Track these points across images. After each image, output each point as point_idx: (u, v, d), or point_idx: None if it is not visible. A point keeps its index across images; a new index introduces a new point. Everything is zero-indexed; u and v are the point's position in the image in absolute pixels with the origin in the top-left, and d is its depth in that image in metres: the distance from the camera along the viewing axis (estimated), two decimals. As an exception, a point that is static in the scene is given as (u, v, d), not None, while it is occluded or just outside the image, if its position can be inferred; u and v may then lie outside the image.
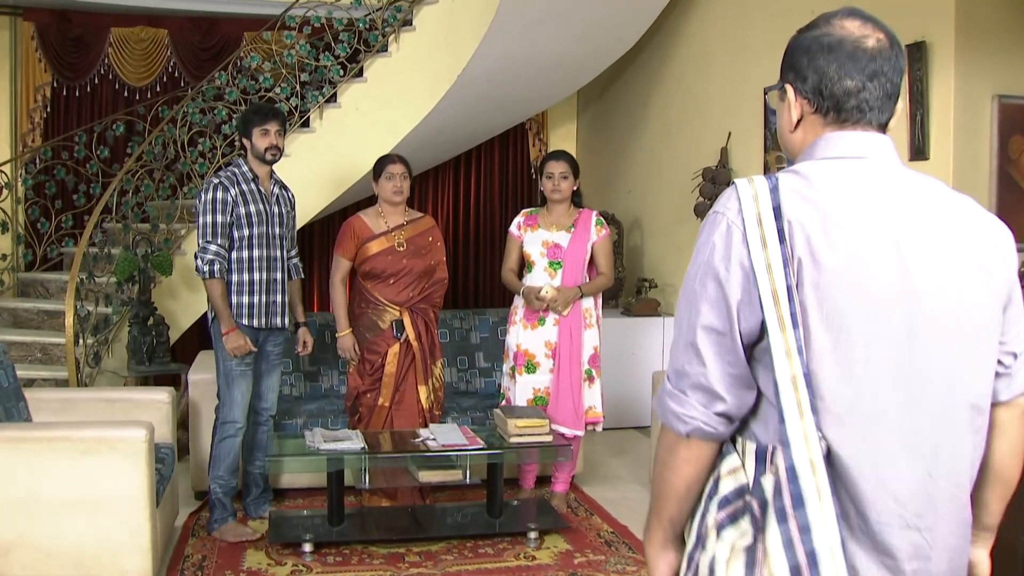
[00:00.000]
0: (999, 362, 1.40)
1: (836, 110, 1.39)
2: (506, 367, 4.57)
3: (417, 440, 3.89)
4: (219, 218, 3.79)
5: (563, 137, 8.37)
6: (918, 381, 1.30)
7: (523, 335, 4.42)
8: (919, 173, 1.40)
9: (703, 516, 1.38)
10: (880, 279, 1.28)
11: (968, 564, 1.42)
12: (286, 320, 4.05)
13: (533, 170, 8.30)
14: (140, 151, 5.54)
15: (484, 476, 4.00)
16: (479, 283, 8.05)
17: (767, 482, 1.29)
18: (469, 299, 7.96)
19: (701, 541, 1.37)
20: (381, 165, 4.25)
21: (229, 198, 3.81)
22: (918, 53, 3.84)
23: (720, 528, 1.34)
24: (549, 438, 3.91)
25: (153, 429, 3.30)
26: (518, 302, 4.50)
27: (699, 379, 1.33)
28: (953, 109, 3.73)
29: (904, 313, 1.29)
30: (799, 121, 1.43)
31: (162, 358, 5.16)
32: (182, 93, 6.67)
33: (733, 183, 1.37)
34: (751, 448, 1.34)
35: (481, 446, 3.82)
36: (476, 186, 8.10)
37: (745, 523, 1.31)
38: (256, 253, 3.89)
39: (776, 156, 4.95)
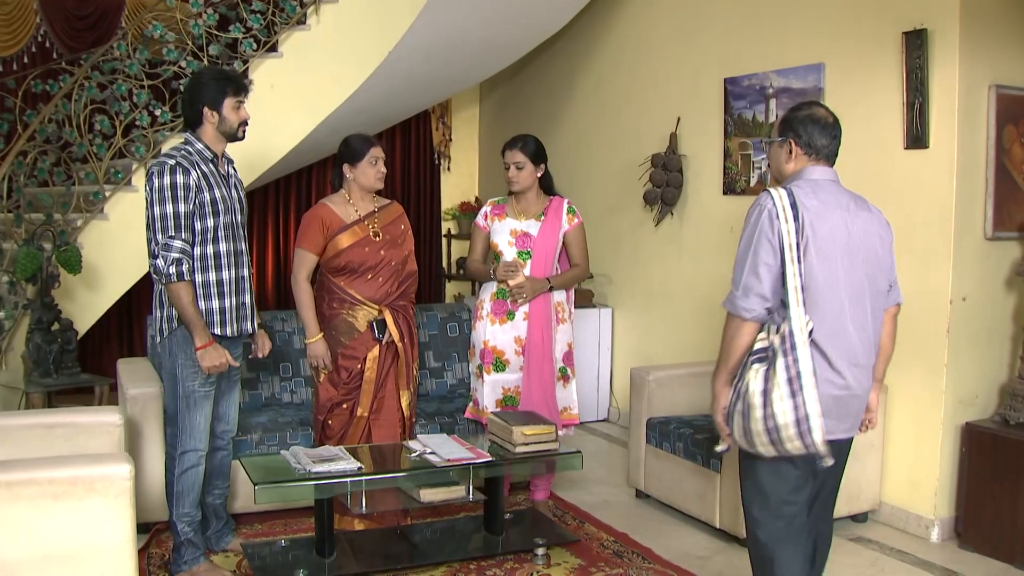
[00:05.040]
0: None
1: (816, 154, 2.64)
2: (472, 366, 4.25)
3: (414, 455, 3.50)
4: (181, 207, 3.19)
5: (466, 121, 8.05)
6: (855, 288, 2.54)
7: (491, 331, 4.11)
8: (849, 190, 2.66)
9: (744, 364, 2.52)
10: (839, 239, 2.52)
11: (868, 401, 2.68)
12: (254, 324, 3.54)
13: (436, 155, 7.92)
14: (31, 130, 4.75)
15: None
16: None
17: (776, 339, 2.45)
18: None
19: (741, 375, 2.52)
20: (363, 147, 3.78)
21: (191, 182, 3.22)
22: (918, 41, 3.79)
23: (751, 365, 2.49)
24: (556, 445, 3.62)
25: (132, 461, 2.76)
26: (484, 295, 4.18)
27: (758, 289, 2.48)
28: (958, 98, 3.71)
29: (849, 256, 2.53)
30: (793, 159, 2.65)
31: (71, 369, 4.47)
32: (56, 65, 5.85)
33: (766, 190, 2.53)
34: (769, 329, 2.50)
35: (489, 459, 3.47)
36: (377, 171, 7.61)
37: (765, 362, 2.46)
38: (224, 247, 3.34)
39: (739, 143, 4.84)
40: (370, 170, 3.76)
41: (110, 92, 5.12)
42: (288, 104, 5.53)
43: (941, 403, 3.81)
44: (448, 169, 7.98)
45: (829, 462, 2.45)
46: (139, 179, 5.31)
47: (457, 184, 8.06)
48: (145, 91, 5.24)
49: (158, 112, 5.29)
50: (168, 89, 5.41)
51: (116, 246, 5.18)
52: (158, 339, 3.38)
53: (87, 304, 5.09)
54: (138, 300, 6.44)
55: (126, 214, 5.24)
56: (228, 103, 3.31)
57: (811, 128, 2.61)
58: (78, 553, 2.63)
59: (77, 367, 4.53)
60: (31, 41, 6.17)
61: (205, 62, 5.37)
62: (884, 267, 2.62)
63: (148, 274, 5.39)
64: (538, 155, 4.12)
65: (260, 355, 3.70)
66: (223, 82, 3.32)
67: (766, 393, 2.42)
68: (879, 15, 4.00)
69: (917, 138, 3.84)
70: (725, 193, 4.97)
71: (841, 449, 2.61)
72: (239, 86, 3.35)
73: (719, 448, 2.68)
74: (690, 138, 5.26)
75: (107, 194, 5.19)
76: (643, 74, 5.69)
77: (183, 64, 5.32)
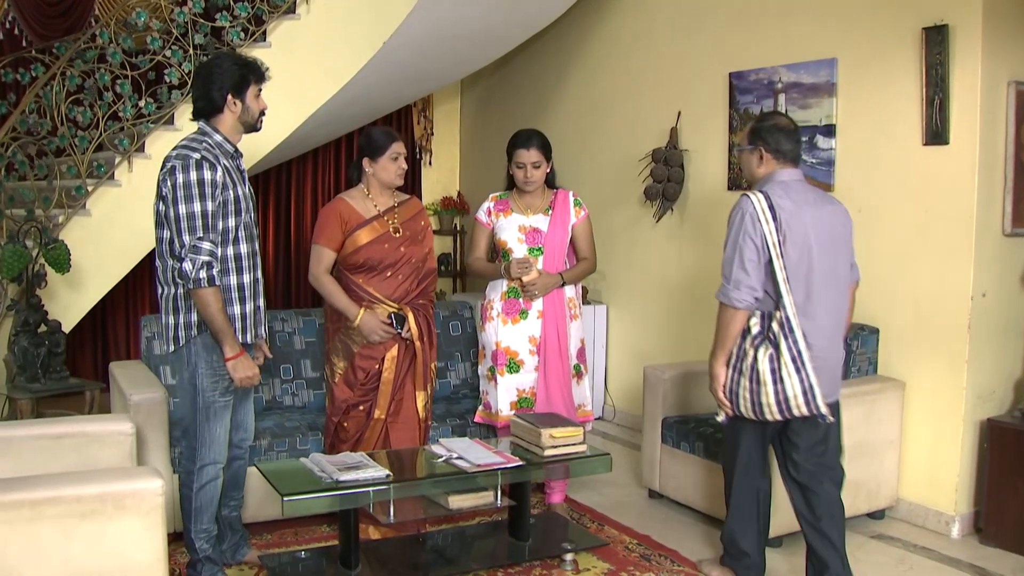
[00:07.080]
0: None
1: (784, 158, 3.07)
2: (483, 369, 4.13)
3: (440, 460, 3.38)
4: (208, 205, 2.97)
5: (447, 115, 7.90)
6: (824, 273, 3.00)
7: (503, 331, 3.99)
8: (813, 187, 3.15)
9: (741, 345, 3.02)
10: (810, 232, 2.97)
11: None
12: (265, 328, 3.37)
13: (418, 150, 7.76)
14: (12, 122, 4.50)
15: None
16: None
17: (775, 324, 2.94)
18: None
19: (741, 356, 3.02)
20: (385, 142, 3.63)
21: (218, 179, 3.01)
22: (938, 36, 3.76)
23: (756, 347, 2.97)
24: (584, 447, 3.53)
25: (163, 476, 2.60)
26: (493, 295, 4.06)
27: (748, 282, 2.94)
28: (980, 94, 3.69)
29: (818, 246, 2.98)
30: (764, 163, 3.09)
31: (59, 373, 4.25)
32: (27, 54, 5.58)
33: (745, 195, 2.97)
34: (759, 315, 2.99)
35: (521, 463, 3.36)
36: (358, 166, 7.44)
37: (768, 344, 2.95)
38: (244, 248, 3.15)
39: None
40: (391, 165, 3.62)
41: (92, 82, 4.87)
42: (277, 96, 5.25)
43: (962, 399, 3.81)
44: (429, 164, 7.83)
45: (830, 419, 3.02)
46: (122, 173, 5.09)
47: (438, 179, 7.91)
48: (128, 81, 5.01)
49: (142, 103, 5.07)
50: (144, 80, 5.19)
51: (99, 243, 4.96)
52: (170, 348, 3.16)
53: (69, 304, 4.86)
54: (115, 300, 6.20)
55: (109, 210, 5.02)
56: (251, 92, 3.15)
57: (777, 135, 3.06)
58: (108, 574, 2.46)
59: (66, 371, 4.31)
60: (-3, 29, 5.89)
61: (191, 52, 5.17)
62: (846, 252, 3.10)
63: (130, 273, 5.24)
64: (549, 150, 4.04)
65: (261, 359, 3.52)
66: (246, 68, 3.14)
67: (774, 372, 2.93)
68: (896, 10, 3.98)
69: (937, 134, 3.82)
70: (730, 188, 4.92)
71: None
72: (261, 74, 3.19)
73: (720, 419, 3.19)
74: (691, 133, 5.20)
75: (89, 189, 4.95)
76: (640, 67, 5.61)
77: (167, 54, 5.11)
